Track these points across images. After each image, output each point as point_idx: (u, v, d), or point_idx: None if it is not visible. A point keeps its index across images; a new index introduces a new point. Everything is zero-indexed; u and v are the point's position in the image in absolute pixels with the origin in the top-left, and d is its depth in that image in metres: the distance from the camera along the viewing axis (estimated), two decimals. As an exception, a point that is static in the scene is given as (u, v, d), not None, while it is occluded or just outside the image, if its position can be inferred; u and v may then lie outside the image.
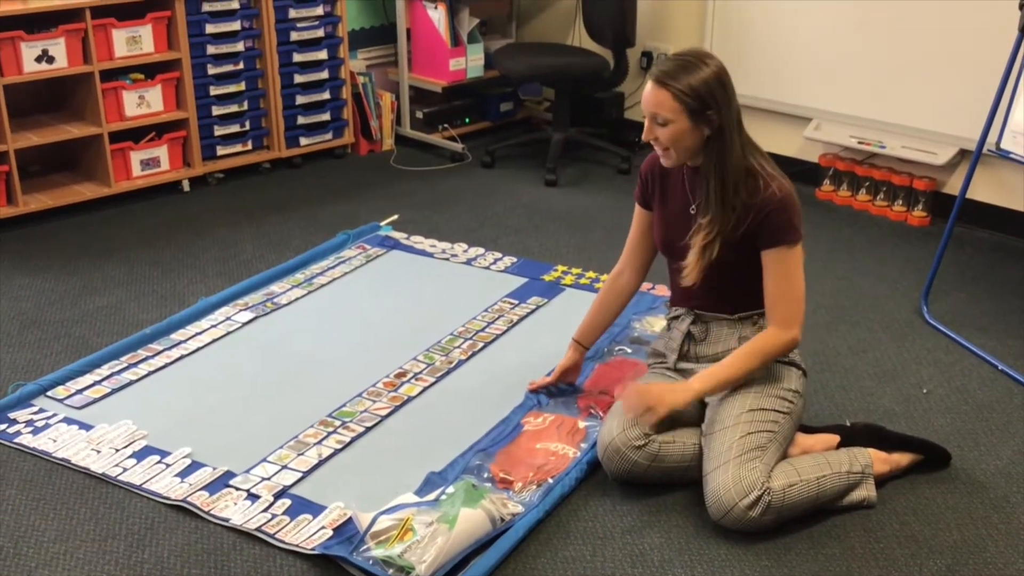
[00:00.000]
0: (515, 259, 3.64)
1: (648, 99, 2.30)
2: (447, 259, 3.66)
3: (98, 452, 2.52)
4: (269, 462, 2.48)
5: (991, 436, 2.64)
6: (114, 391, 2.80)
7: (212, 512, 2.30)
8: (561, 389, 2.78)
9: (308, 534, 2.22)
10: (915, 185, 4.02)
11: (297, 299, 3.34)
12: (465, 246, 3.76)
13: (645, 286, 3.38)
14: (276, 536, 2.22)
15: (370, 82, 4.77)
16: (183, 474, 2.43)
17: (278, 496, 2.35)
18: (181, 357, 2.97)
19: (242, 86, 4.35)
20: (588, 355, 2.94)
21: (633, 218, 2.63)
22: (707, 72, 2.27)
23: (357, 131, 4.78)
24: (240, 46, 4.29)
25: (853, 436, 2.47)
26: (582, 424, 2.61)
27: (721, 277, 2.39)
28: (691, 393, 2.35)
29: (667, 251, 2.54)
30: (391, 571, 2.08)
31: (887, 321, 3.24)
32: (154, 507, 2.34)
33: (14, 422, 2.65)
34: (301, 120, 4.56)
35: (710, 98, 2.26)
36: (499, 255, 3.68)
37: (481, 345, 3.05)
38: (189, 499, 2.34)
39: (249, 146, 4.46)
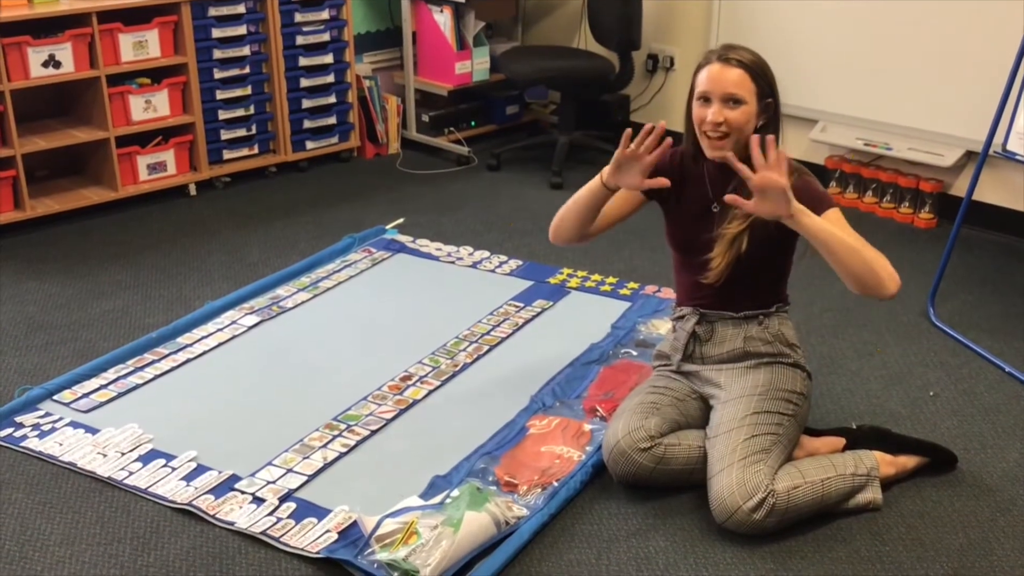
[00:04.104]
0: (520, 262, 3.64)
1: (725, 78, 2.27)
2: (453, 262, 3.66)
3: (104, 456, 2.53)
4: (274, 465, 2.48)
5: (998, 439, 2.63)
6: (120, 395, 2.80)
7: (217, 516, 2.31)
8: (565, 391, 2.78)
9: (313, 537, 2.22)
10: (921, 187, 4.01)
11: (303, 303, 3.34)
12: (471, 249, 3.76)
13: (650, 288, 3.38)
14: (281, 540, 2.23)
15: (376, 86, 4.78)
16: (188, 478, 2.44)
17: (283, 499, 2.36)
18: (187, 361, 2.98)
19: (248, 90, 4.36)
20: (593, 359, 2.94)
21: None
22: (764, 60, 2.31)
23: (363, 135, 4.78)
24: (246, 50, 4.30)
25: (859, 439, 2.47)
26: (587, 427, 2.61)
27: (735, 274, 2.37)
28: (795, 210, 2.16)
29: (684, 248, 2.49)
30: (396, 574, 2.08)
31: (893, 324, 3.23)
32: (159, 511, 2.34)
33: (20, 426, 2.65)
34: (307, 124, 4.57)
35: (773, 83, 2.31)
36: (505, 258, 3.68)
37: (486, 348, 3.05)
38: (194, 503, 2.34)
39: (255, 150, 4.47)
